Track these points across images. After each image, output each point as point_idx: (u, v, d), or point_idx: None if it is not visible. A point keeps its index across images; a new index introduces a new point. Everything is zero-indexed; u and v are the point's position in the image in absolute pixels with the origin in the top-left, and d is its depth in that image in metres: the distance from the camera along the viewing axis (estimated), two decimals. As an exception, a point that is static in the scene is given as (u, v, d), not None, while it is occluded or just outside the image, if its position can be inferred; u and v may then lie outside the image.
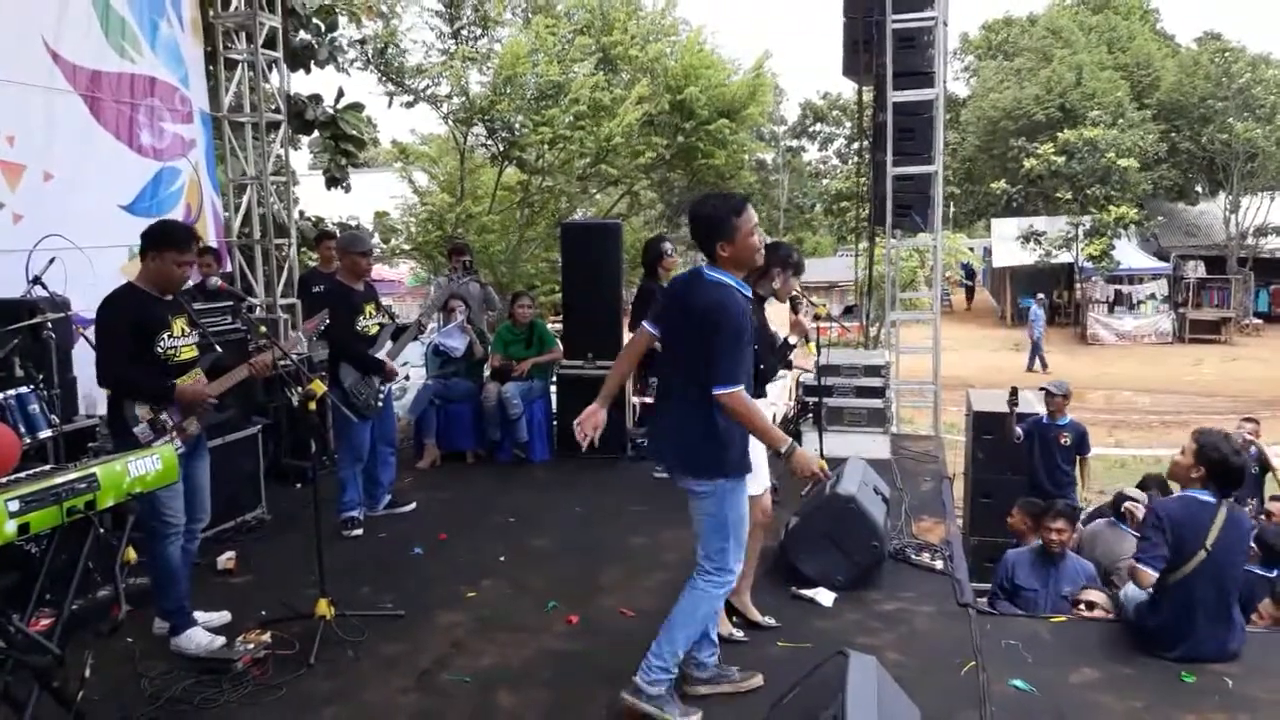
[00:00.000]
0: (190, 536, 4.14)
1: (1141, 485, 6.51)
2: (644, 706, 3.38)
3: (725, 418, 3.27)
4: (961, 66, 40.36)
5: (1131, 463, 13.09)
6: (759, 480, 4.08)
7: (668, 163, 17.42)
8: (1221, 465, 3.93)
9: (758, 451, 4.09)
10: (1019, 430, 7.55)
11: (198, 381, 4.01)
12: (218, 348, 4.23)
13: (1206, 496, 3.97)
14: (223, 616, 4.36)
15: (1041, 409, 7.73)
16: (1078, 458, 7.60)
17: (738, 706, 3.55)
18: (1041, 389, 7.92)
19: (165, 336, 3.91)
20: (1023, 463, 7.58)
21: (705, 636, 3.58)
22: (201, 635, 4.02)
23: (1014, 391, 7.60)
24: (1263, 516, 6.06)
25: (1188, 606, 3.89)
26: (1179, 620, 3.92)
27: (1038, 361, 22.44)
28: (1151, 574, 4.00)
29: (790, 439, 3.31)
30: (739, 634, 4.13)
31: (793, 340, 4.45)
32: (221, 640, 3.99)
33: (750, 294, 3.41)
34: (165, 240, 3.85)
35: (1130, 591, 4.26)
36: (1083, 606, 4.89)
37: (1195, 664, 3.87)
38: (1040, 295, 25.49)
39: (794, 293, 4.48)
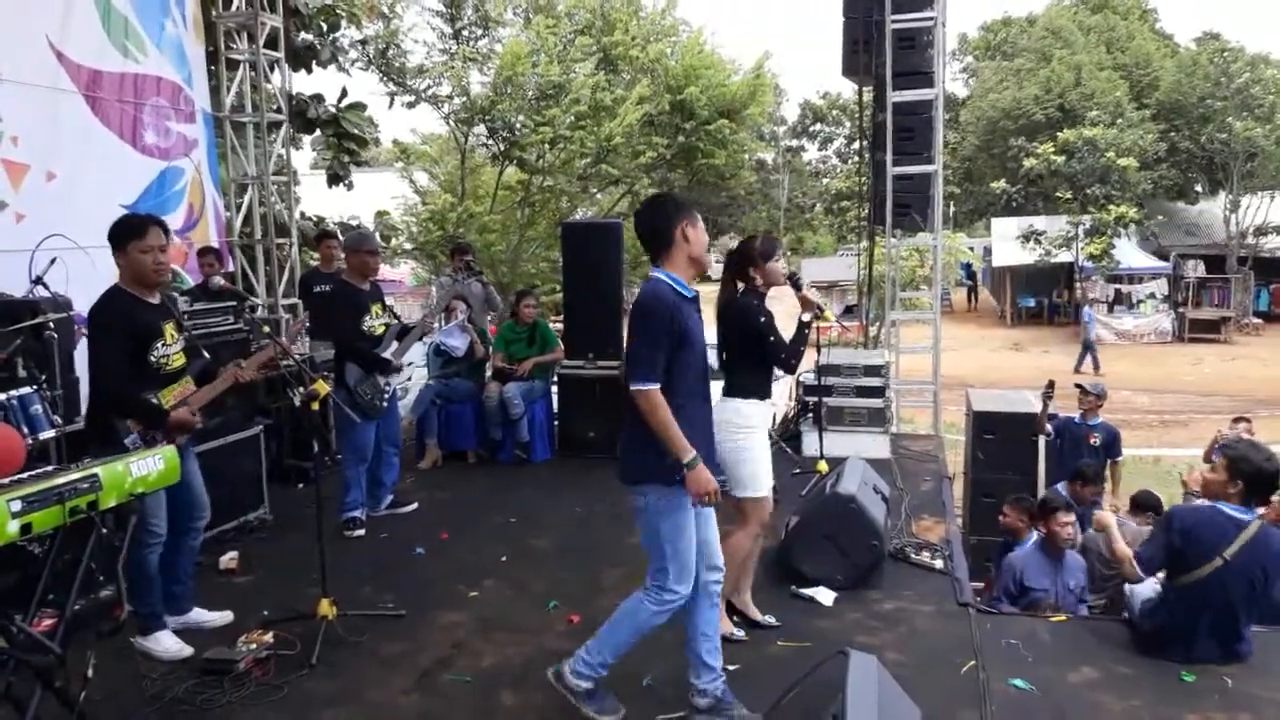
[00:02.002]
0: (193, 534, 4.19)
1: (1135, 505, 6.46)
2: (560, 689, 3.40)
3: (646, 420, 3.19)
4: (960, 67, 40.45)
5: (1131, 462, 13.03)
6: (765, 482, 4.09)
7: (668, 162, 17.41)
8: (1257, 475, 3.86)
9: (762, 454, 4.11)
10: (1049, 427, 7.52)
11: (186, 389, 4.00)
12: (205, 353, 4.19)
13: (1237, 512, 3.89)
14: (225, 616, 4.37)
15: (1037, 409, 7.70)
16: (1108, 461, 7.55)
17: (738, 706, 3.56)
18: (1077, 386, 7.88)
19: (158, 346, 3.86)
20: (1028, 463, 7.57)
21: (703, 662, 3.43)
22: (170, 641, 3.99)
23: (1050, 385, 7.57)
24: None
25: (1194, 612, 3.88)
26: (1182, 625, 3.91)
27: (1089, 361, 22.03)
28: (1139, 572, 4.00)
29: (693, 452, 3.13)
30: (739, 633, 4.15)
31: (806, 318, 4.35)
32: (189, 650, 3.96)
33: (691, 295, 3.31)
34: (123, 234, 3.77)
35: (1137, 588, 4.25)
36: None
37: (1196, 664, 3.87)
38: (1092, 296, 25.49)
39: (784, 272, 4.31)
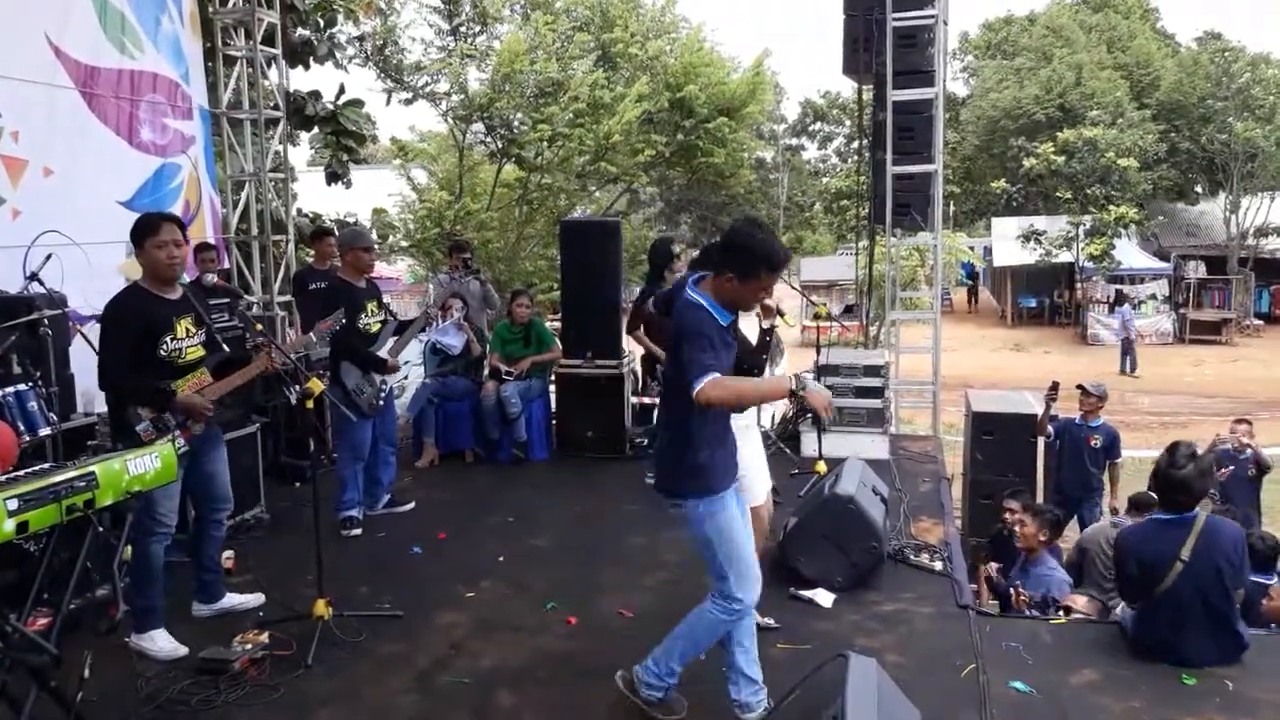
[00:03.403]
0: (216, 525, 4.31)
1: (1134, 505, 6.40)
2: (631, 697, 3.45)
3: (690, 432, 3.18)
4: (961, 66, 40.42)
5: (1131, 463, 13.02)
6: (758, 489, 4.07)
7: (667, 160, 17.38)
8: (1162, 480, 3.95)
9: (752, 461, 4.08)
10: (1050, 429, 7.50)
11: (201, 380, 4.00)
12: (225, 346, 4.22)
13: (1173, 516, 3.96)
14: (257, 598, 4.52)
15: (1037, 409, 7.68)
16: (1108, 462, 7.52)
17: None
18: (1078, 387, 7.87)
19: (168, 339, 3.89)
20: (1027, 464, 7.54)
21: (743, 674, 3.40)
22: (165, 640, 4.00)
23: (1054, 386, 7.54)
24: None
25: (1176, 617, 3.89)
26: (1170, 631, 3.92)
27: (1128, 363, 21.82)
28: (1124, 603, 4.07)
29: (789, 379, 3.07)
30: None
31: (767, 324, 4.33)
32: (185, 650, 3.96)
33: (727, 322, 3.21)
34: (140, 231, 3.87)
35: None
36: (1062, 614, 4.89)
37: (1195, 668, 3.85)
38: (1135, 294, 25.49)
39: None
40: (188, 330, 3.98)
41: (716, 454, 3.27)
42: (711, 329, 3.10)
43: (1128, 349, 22.08)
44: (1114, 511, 7.18)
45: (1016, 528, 5.55)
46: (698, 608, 3.39)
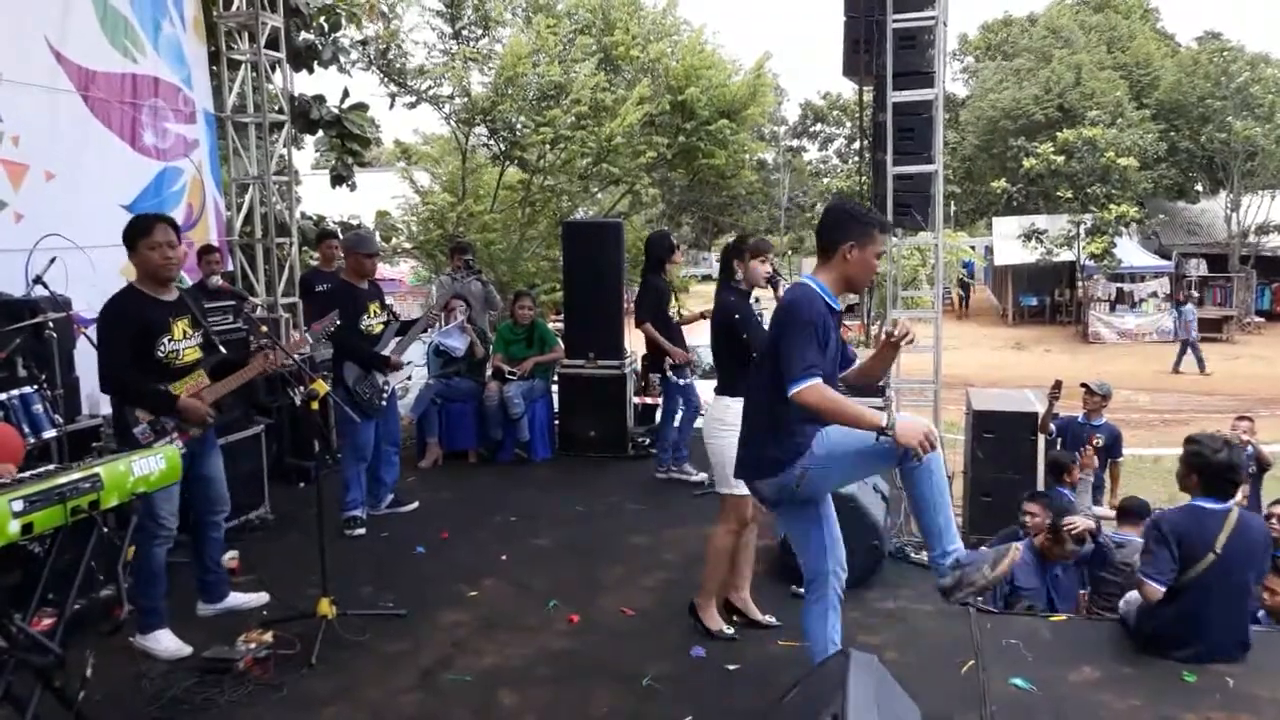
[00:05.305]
0: (214, 527, 4.32)
1: (1121, 512, 6.22)
2: None
3: (787, 416, 3.11)
4: (961, 67, 40.42)
5: (1131, 462, 13.01)
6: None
7: (669, 162, 17.39)
8: (1205, 467, 3.94)
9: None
10: (1052, 427, 7.50)
11: (200, 383, 4.02)
12: (222, 349, 4.24)
13: (1211, 503, 3.94)
14: (261, 597, 4.52)
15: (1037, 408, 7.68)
16: (1109, 461, 7.51)
17: (739, 705, 3.56)
18: (1082, 385, 7.85)
19: (165, 340, 3.91)
20: (1028, 462, 7.54)
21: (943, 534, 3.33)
22: (169, 640, 4.02)
23: (1057, 385, 7.54)
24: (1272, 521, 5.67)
25: (1199, 609, 3.86)
26: (1189, 622, 3.89)
27: (1193, 362, 21.66)
28: (1157, 589, 3.92)
29: (884, 415, 2.93)
30: (729, 630, 4.16)
31: None
32: (189, 649, 3.98)
33: (838, 308, 3.23)
34: (133, 233, 3.87)
35: (1131, 597, 4.25)
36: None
37: (1199, 664, 3.85)
38: (1194, 294, 25.46)
39: (765, 275, 4.35)
40: (184, 332, 4.00)
41: (809, 426, 3.15)
42: (820, 316, 3.07)
43: (1194, 349, 21.90)
44: (1113, 509, 7.16)
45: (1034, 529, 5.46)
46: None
